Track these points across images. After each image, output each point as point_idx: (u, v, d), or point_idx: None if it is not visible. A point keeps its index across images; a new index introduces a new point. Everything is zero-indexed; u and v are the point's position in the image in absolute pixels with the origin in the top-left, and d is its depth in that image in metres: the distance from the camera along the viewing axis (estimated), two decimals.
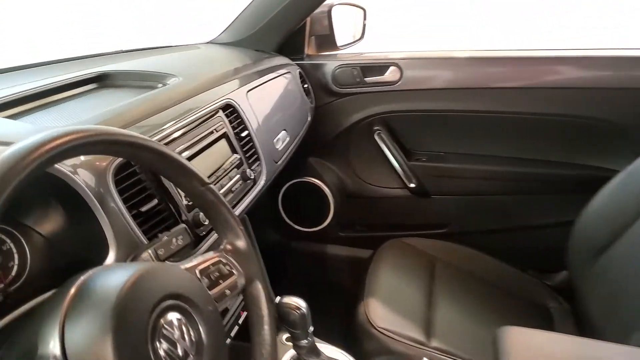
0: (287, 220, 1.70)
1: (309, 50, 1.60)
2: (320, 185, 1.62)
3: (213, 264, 0.62)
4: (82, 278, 0.44)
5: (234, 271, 0.64)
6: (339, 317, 1.27)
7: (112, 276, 0.44)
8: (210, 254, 0.64)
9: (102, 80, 1.03)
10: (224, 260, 0.63)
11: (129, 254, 0.61)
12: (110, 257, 0.60)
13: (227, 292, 0.61)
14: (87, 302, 0.41)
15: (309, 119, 1.51)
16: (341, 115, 1.56)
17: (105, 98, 0.96)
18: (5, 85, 0.84)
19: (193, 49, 1.45)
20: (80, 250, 0.63)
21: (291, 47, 1.56)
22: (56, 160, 0.42)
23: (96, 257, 0.60)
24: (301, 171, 1.65)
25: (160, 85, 1.00)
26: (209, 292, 0.58)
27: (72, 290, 0.43)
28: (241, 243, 0.66)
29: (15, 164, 0.37)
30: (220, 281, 0.61)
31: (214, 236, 0.84)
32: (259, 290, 0.66)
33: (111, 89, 1.01)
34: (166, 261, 0.66)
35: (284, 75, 1.41)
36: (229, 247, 0.66)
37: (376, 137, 1.55)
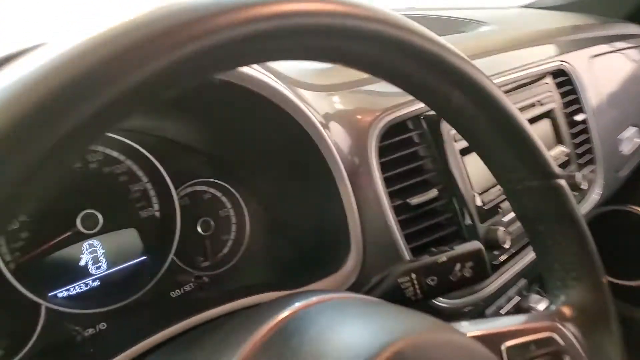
0: None
1: None
2: None
3: (539, 343, 0.29)
4: (287, 312, 0.25)
5: None
6: None
7: (347, 330, 0.23)
8: (524, 318, 0.30)
9: None
10: (559, 340, 0.30)
11: (378, 267, 0.39)
12: (349, 265, 0.41)
13: None
14: None
15: None
16: None
17: None
18: None
19: (501, 11, 1.11)
20: (311, 242, 0.45)
21: None
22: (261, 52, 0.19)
23: (330, 258, 0.42)
24: (619, 195, 1.15)
25: (463, 32, 0.71)
26: None
27: (269, 324, 0.24)
28: (598, 307, 0.31)
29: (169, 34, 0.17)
30: None
31: (516, 266, 0.51)
32: None
33: None
34: (436, 300, 0.38)
35: (637, 49, 0.95)
36: (567, 312, 0.31)
37: None
